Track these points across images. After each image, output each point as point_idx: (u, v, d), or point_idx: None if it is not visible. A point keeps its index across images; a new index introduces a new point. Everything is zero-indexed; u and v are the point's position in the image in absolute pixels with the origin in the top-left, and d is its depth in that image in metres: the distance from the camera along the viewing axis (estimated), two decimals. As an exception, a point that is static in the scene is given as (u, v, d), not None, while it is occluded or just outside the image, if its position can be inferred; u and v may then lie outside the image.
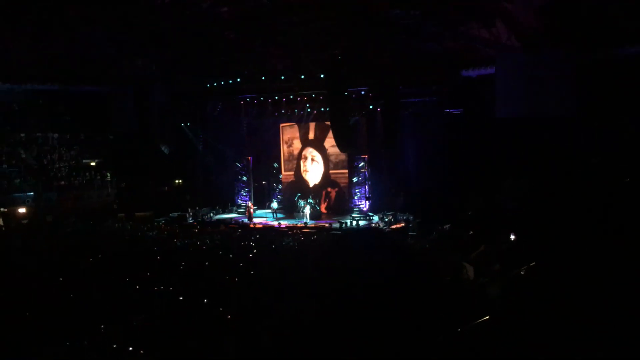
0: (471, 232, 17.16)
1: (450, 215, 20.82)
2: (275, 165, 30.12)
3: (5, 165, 25.96)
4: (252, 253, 15.31)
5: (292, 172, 29.86)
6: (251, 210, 26.54)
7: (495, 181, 20.88)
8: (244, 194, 30.36)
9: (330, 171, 28.54)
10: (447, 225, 20.11)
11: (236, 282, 11.44)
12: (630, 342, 5.08)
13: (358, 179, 27.62)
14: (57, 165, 27.87)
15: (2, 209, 24.01)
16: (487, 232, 16.66)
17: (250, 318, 8.28)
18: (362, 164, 27.37)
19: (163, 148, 25.54)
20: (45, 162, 27.61)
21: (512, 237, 15.75)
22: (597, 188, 15.73)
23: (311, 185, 29.05)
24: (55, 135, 28.76)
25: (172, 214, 27.17)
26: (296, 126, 29.17)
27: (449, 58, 21.04)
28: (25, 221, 23.72)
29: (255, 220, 26.00)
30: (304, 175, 29.33)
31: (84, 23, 17.97)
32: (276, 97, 26.96)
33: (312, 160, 28.94)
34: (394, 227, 22.79)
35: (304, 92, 25.87)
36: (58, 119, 28.42)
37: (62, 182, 27.11)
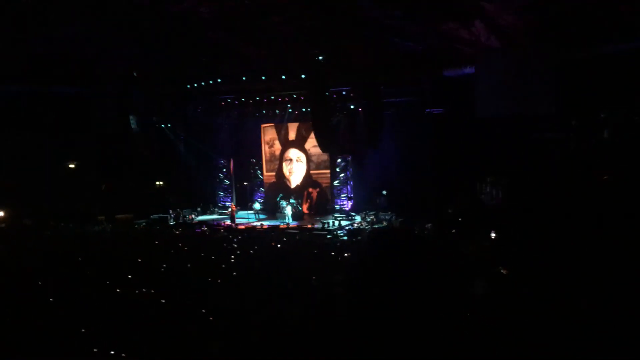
0: (454, 230, 17.29)
1: (432, 215, 20.95)
2: (257, 167, 30.01)
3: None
4: (235, 254, 15.26)
5: (273, 173, 29.82)
6: (233, 211, 26.41)
7: (477, 180, 21.04)
8: (226, 195, 30.23)
9: (312, 171, 28.56)
10: (429, 225, 20.24)
11: (219, 284, 11.38)
12: (610, 334, 5.15)
13: (340, 179, 27.62)
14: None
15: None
16: (469, 230, 16.79)
17: (234, 320, 8.23)
18: (344, 164, 27.37)
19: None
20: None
21: (493, 235, 15.93)
22: (578, 185, 15.94)
23: (293, 185, 29.04)
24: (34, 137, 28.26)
25: (153, 216, 26.91)
26: (277, 127, 29.16)
27: (430, 58, 21.12)
28: (3, 225, 23.34)
29: (237, 221, 25.89)
30: (288, 177, 29.30)
31: (62, 22, 17.72)
32: (257, 98, 26.91)
33: (298, 160, 28.94)
34: (376, 227, 22.89)
35: (286, 93, 25.86)
36: (37, 121, 27.97)
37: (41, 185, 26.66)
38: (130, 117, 24.55)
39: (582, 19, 15.90)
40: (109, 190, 28.68)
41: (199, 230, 23.23)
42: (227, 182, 30.32)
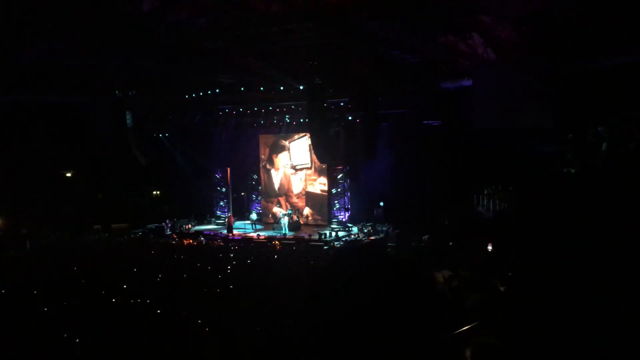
0: (450, 243, 17.28)
1: (429, 226, 20.94)
2: (255, 176, 29.97)
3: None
4: (232, 265, 15.21)
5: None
6: (231, 221, 26.34)
7: (473, 192, 21.07)
8: (223, 205, 30.18)
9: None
10: (426, 236, 20.23)
11: (216, 294, 11.34)
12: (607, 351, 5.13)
13: (337, 190, 27.57)
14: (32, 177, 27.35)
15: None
16: (465, 242, 16.77)
17: (230, 330, 8.20)
18: (342, 175, 27.33)
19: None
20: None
21: (490, 247, 15.92)
22: (574, 198, 15.93)
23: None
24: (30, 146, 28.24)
25: (149, 226, 26.85)
26: (275, 137, 29.07)
27: (427, 70, 21.20)
28: (0, 233, 23.29)
29: (234, 231, 25.82)
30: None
31: (59, 32, 17.73)
32: (255, 108, 26.95)
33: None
34: (372, 238, 22.89)
35: (283, 103, 25.90)
36: (32, 130, 27.96)
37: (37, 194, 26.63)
38: (127, 114, 24.41)
39: (578, 32, 15.99)
40: (105, 199, 28.66)
41: (196, 241, 23.17)
42: (224, 191, 30.22)
